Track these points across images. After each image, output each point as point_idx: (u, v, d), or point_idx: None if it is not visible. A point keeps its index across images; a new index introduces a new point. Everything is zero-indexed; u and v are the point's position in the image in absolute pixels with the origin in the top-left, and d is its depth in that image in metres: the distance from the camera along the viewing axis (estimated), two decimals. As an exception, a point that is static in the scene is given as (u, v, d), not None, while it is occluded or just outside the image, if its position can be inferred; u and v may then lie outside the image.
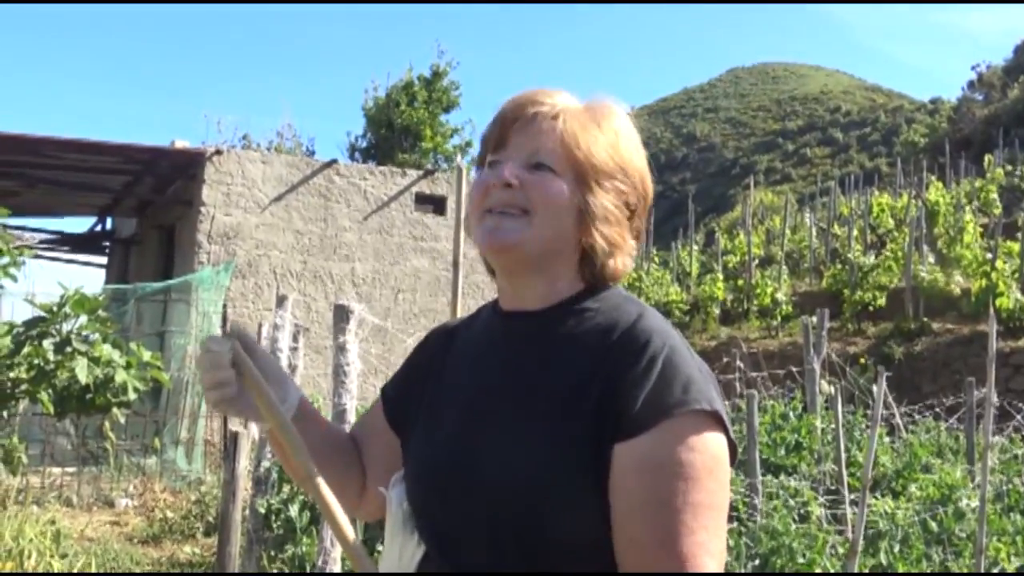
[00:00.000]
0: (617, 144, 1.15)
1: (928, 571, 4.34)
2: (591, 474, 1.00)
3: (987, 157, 23.80)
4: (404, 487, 1.18)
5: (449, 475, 1.09)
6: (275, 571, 4.42)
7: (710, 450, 0.99)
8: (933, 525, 4.60)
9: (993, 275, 12.21)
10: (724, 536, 1.00)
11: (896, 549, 4.37)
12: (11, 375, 5.48)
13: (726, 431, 1.03)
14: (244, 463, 4.44)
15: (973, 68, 60.73)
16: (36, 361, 5.54)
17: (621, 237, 1.15)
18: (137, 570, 5.47)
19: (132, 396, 5.82)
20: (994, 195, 18.68)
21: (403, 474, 1.20)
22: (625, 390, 1.00)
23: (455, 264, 3.58)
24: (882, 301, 13.56)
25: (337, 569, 3.29)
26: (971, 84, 59.31)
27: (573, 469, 1.01)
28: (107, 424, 7.32)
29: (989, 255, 12.78)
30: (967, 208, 16.83)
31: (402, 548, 1.13)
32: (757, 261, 17.01)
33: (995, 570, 4.49)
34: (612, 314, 1.11)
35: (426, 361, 1.28)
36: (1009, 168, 22.21)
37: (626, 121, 1.18)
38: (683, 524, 0.95)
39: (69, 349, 5.59)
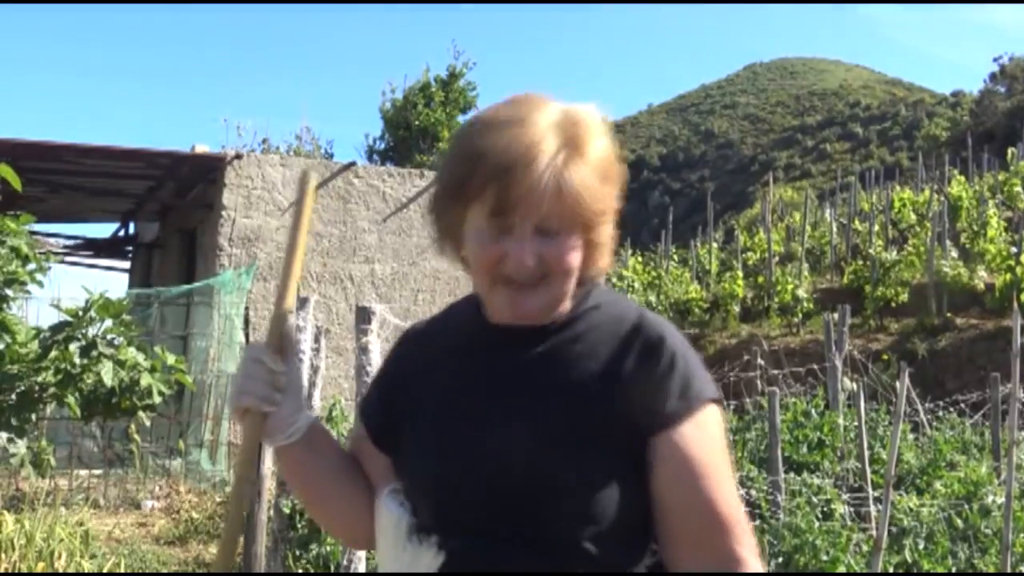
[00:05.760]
0: (605, 171, 1.15)
1: (954, 568, 4.31)
2: (625, 466, 1.10)
3: (1010, 150, 23.50)
4: (398, 500, 1.18)
5: (479, 484, 1.11)
6: (300, 570, 4.46)
7: (722, 427, 1.17)
8: (958, 522, 4.57)
9: (1018, 269, 12.07)
10: None
11: (921, 546, 4.35)
12: (38, 379, 5.55)
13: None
14: (268, 464, 4.48)
15: (995, 60, 59.94)
16: (62, 365, 5.60)
17: (613, 243, 1.21)
18: (164, 570, 5.53)
19: (157, 399, 5.86)
20: (1018, 188, 18.44)
21: (397, 487, 1.20)
22: (654, 388, 1.11)
23: (475, 265, 3.59)
24: (904, 297, 13.44)
25: (362, 568, 3.32)
26: (993, 76, 58.55)
27: (605, 464, 1.09)
28: (132, 427, 7.41)
29: (1014, 249, 12.64)
30: (990, 202, 16.66)
31: (413, 560, 1.13)
32: (777, 258, 16.91)
33: (1022, 567, 4.45)
34: (611, 309, 1.19)
35: (401, 372, 1.28)
36: (1033, 161, 21.92)
37: (603, 129, 1.17)
38: (727, 492, 1.11)
39: (95, 353, 5.65)
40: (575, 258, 1.14)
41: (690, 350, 1.16)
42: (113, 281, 15.89)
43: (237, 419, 1.21)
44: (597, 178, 1.14)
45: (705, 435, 1.11)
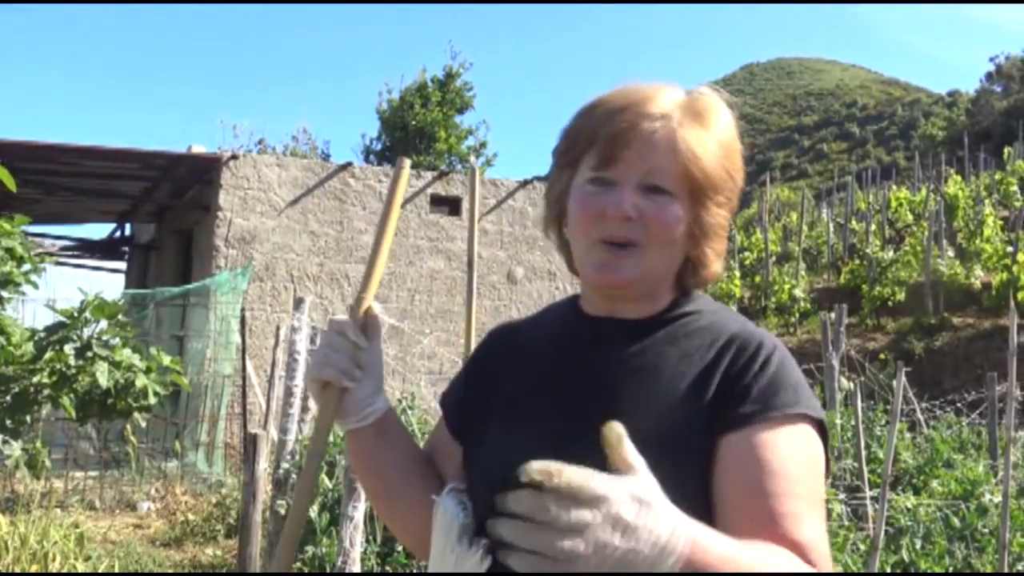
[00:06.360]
0: (727, 149, 1.10)
1: (951, 567, 4.30)
2: (696, 476, 0.99)
3: (1007, 149, 23.58)
4: (458, 499, 1.11)
5: None
6: (295, 571, 4.45)
7: (817, 452, 1.01)
8: (955, 521, 4.57)
9: (1014, 268, 12.09)
10: None
11: (918, 545, 4.34)
12: (34, 380, 5.53)
13: (826, 443, 1.03)
14: (263, 465, 4.47)
15: (992, 59, 60.15)
16: (58, 366, 5.58)
17: (723, 246, 1.13)
18: (159, 572, 5.51)
19: (153, 400, 5.85)
20: (1014, 187, 18.47)
21: (459, 485, 1.13)
22: (739, 386, 1.01)
23: (470, 265, 3.58)
24: (901, 296, 13.46)
25: (356, 569, 3.31)
26: (989, 76, 58.71)
27: (687, 464, 1.00)
28: (128, 428, 7.38)
29: (1010, 248, 12.66)
30: (987, 201, 16.69)
31: (458, 563, 1.07)
32: (774, 258, 16.92)
33: (1019, 566, 4.45)
34: (712, 317, 1.11)
35: (488, 364, 1.23)
36: (1029, 160, 21.95)
37: (729, 117, 1.12)
38: (801, 511, 0.95)
39: (90, 354, 5.63)
40: (678, 227, 1.06)
41: (793, 363, 1.05)
42: (109, 282, 15.89)
43: (314, 393, 1.15)
44: (718, 147, 1.08)
45: (788, 445, 0.97)
